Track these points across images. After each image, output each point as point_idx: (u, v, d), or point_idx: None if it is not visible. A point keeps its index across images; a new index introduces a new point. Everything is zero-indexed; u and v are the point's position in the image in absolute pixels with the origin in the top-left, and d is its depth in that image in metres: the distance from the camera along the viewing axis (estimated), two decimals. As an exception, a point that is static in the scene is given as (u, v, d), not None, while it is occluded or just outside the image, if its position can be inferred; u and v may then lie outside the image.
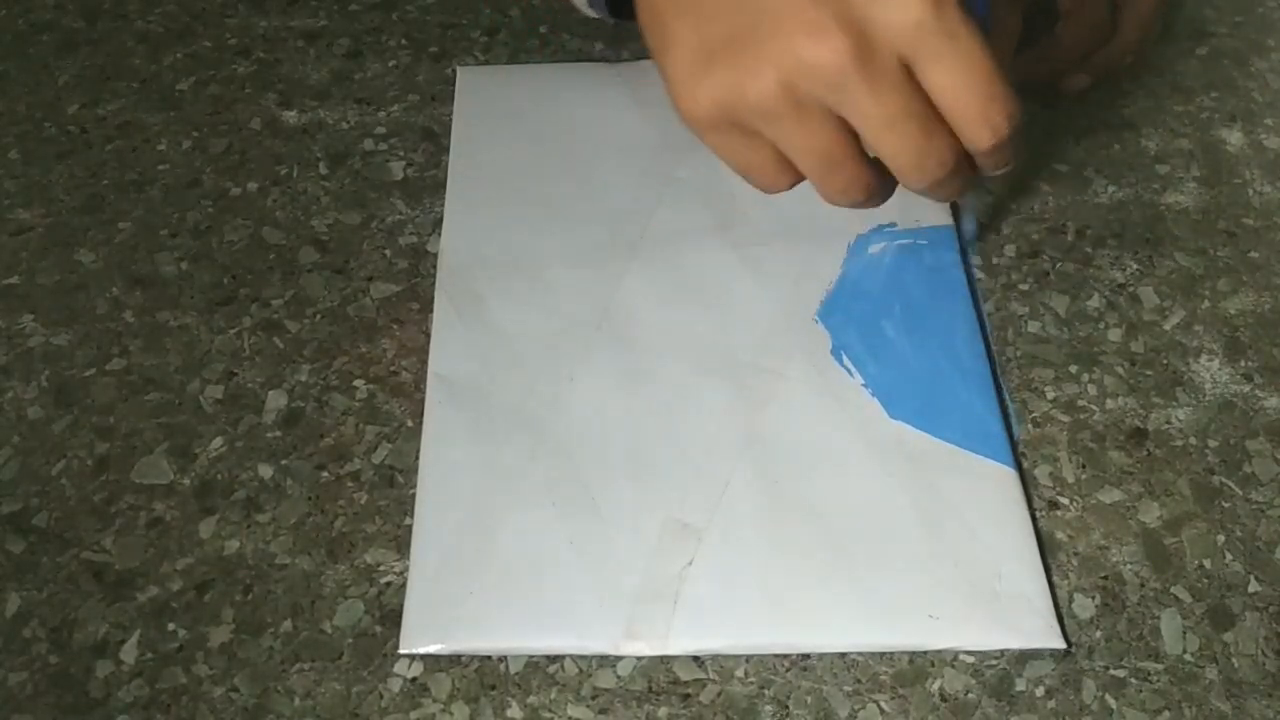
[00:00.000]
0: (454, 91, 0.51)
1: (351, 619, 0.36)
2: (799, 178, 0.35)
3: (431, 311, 0.43)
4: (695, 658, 0.36)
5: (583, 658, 0.36)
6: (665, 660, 0.35)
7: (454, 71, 0.52)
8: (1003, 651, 0.36)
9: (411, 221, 0.47)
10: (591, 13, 0.46)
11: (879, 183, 0.35)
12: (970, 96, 0.31)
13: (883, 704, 0.35)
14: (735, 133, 0.33)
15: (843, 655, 0.36)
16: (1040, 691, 0.35)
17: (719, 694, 0.35)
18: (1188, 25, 0.55)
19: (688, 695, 0.35)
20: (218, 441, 0.41)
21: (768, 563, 0.37)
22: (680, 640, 0.35)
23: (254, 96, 0.52)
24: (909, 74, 0.31)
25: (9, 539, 0.38)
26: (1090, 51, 0.51)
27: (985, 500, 0.38)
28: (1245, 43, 0.54)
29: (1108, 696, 0.35)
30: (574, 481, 0.39)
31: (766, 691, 0.35)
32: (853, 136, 0.33)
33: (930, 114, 0.32)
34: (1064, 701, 0.35)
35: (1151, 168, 0.49)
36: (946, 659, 0.36)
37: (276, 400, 0.42)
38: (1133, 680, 0.35)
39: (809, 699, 0.35)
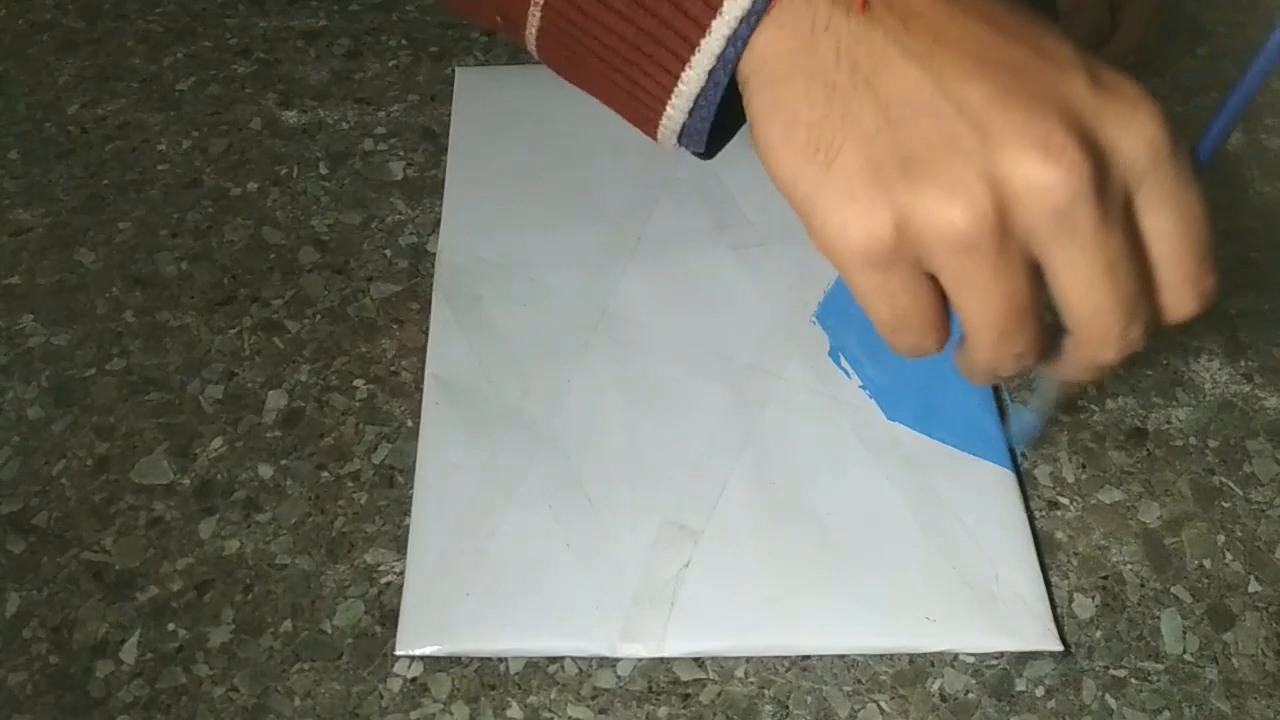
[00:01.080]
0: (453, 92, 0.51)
1: (351, 619, 0.36)
2: (949, 336, 0.29)
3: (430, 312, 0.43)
4: (695, 658, 0.36)
5: (583, 658, 0.36)
6: (665, 660, 0.35)
7: (453, 71, 0.52)
8: (1003, 652, 0.36)
9: (411, 221, 0.47)
10: (673, 146, 0.33)
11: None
12: (1189, 250, 0.27)
13: (883, 704, 0.35)
14: (901, 272, 0.27)
15: (842, 655, 0.36)
16: (1040, 691, 0.35)
17: (719, 694, 0.35)
18: (1188, 25, 0.55)
19: (688, 695, 0.35)
20: (218, 441, 0.41)
21: (764, 565, 0.37)
22: (677, 642, 0.35)
23: (254, 96, 0.52)
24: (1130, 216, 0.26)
25: (9, 539, 0.38)
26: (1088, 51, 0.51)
27: (983, 502, 0.38)
28: (1245, 43, 0.54)
29: (1108, 696, 0.35)
30: (571, 483, 0.39)
31: (766, 691, 0.35)
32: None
33: (1145, 269, 0.27)
34: (1064, 701, 0.35)
35: (1151, 168, 0.49)
36: (946, 659, 0.36)
37: (276, 400, 0.42)
38: (1133, 680, 0.35)
39: (809, 699, 0.35)
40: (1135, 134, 0.25)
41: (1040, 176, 0.25)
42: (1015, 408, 0.41)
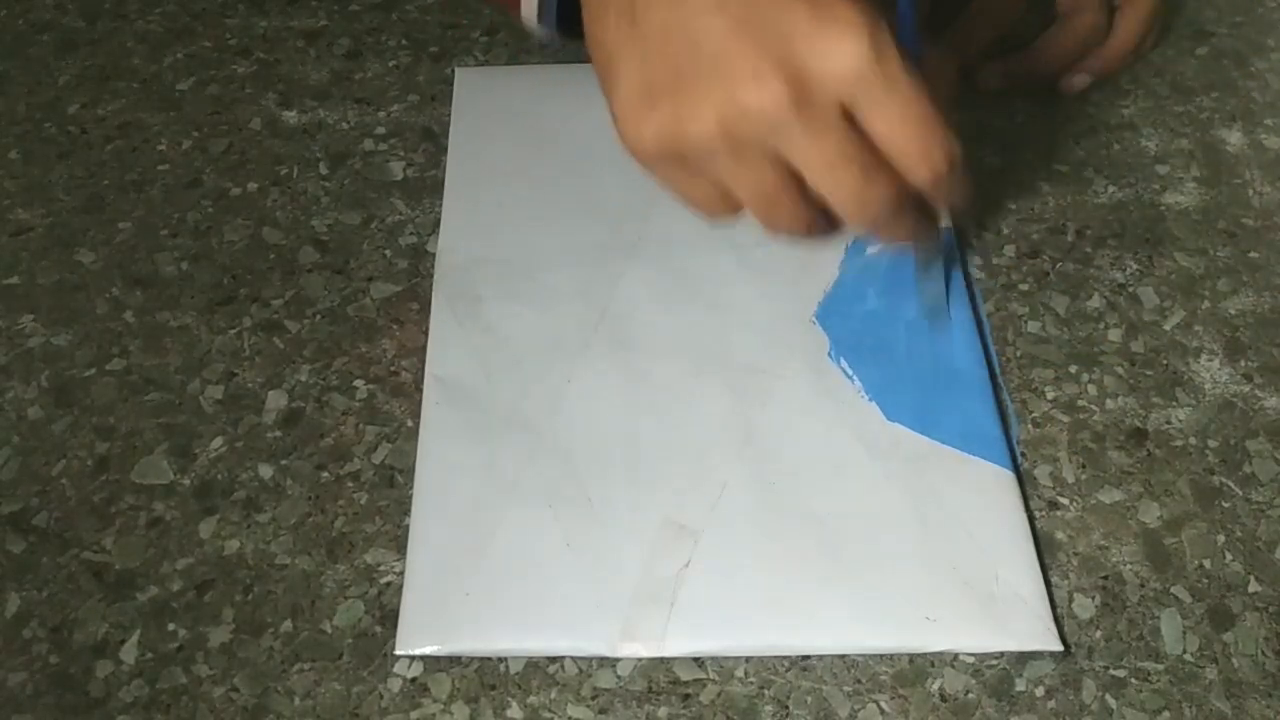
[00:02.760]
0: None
1: (351, 619, 0.37)
2: (741, 208, 0.35)
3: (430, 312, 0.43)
4: (695, 658, 0.36)
5: (583, 658, 0.36)
6: (665, 660, 0.35)
7: (453, 71, 0.52)
8: (1003, 652, 0.36)
9: (411, 221, 0.47)
10: (539, 32, 0.45)
11: (821, 220, 0.34)
12: (910, 141, 0.31)
13: (883, 704, 0.35)
14: (679, 166, 0.33)
15: (842, 655, 0.36)
16: (1040, 691, 0.35)
17: (719, 694, 0.35)
18: (1188, 25, 0.55)
19: (688, 695, 0.35)
20: (218, 441, 0.41)
21: (764, 565, 0.37)
22: (677, 642, 0.35)
23: (254, 96, 0.52)
24: (849, 118, 0.31)
25: (9, 539, 0.38)
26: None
27: (983, 502, 0.38)
28: (1245, 43, 0.54)
29: (1108, 696, 0.35)
30: (571, 483, 0.39)
31: (766, 691, 0.35)
32: (793, 174, 0.33)
33: (870, 157, 0.32)
34: (1064, 701, 0.35)
35: (1151, 168, 0.49)
36: (946, 659, 0.36)
37: (276, 400, 0.42)
38: (1133, 680, 0.35)
39: (809, 699, 0.35)
40: (840, 59, 0.30)
41: (749, 101, 0.30)
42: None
